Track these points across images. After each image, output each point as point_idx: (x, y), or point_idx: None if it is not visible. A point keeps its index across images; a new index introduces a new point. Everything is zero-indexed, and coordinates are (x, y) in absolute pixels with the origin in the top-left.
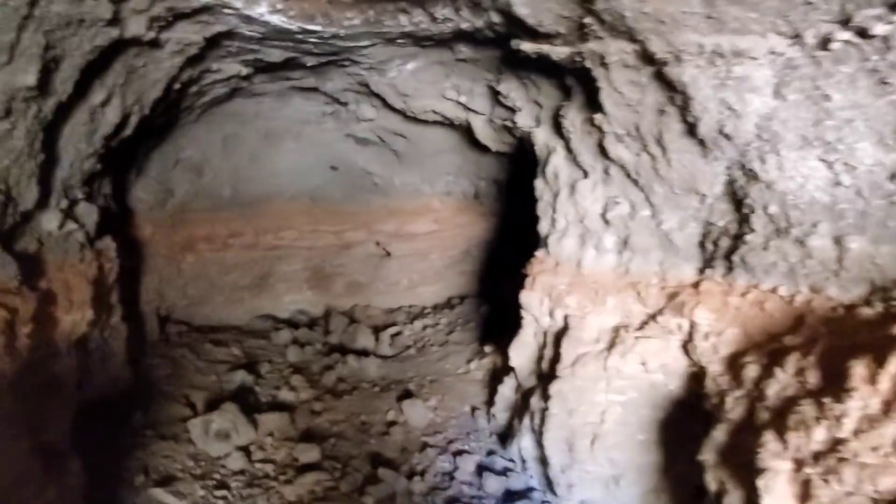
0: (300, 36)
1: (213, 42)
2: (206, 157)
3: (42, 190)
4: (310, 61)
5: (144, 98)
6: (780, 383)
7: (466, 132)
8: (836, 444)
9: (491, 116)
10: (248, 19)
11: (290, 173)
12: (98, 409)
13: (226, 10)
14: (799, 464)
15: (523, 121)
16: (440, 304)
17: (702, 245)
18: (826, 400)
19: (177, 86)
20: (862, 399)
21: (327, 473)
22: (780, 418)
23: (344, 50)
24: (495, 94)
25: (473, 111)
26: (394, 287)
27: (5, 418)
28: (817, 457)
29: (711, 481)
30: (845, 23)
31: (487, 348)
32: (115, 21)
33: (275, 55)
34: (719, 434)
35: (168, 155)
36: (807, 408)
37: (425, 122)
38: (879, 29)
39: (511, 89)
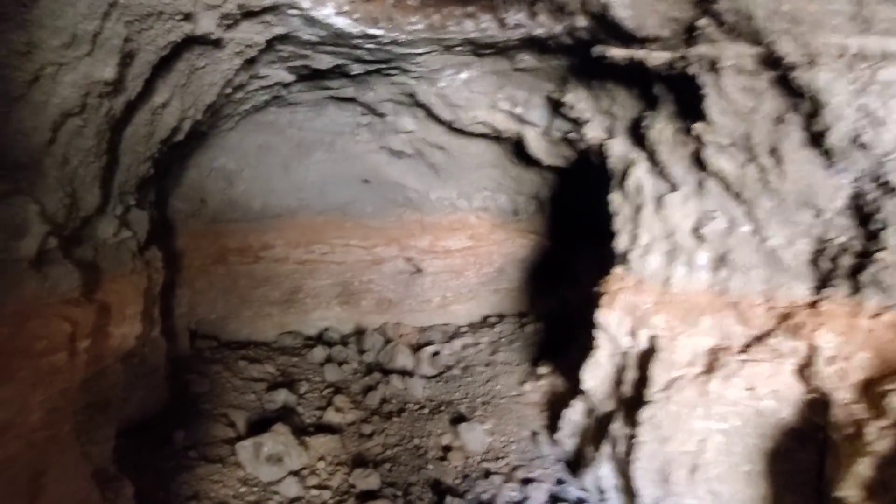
0: (358, 41)
1: (269, 45)
2: (238, 166)
3: (102, 194)
4: (356, 69)
5: (199, 102)
6: None
7: (514, 146)
8: None
9: (548, 129)
10: (311, 21)
11: (321, 185)
12: (139, 428)
13: (291, 11)
14: None
15: (593, 132)
16: (476, 323)
17: (814, 263)
18: None
19: (228, 90)
20: None
21: (389, 502)
22: None
23: (397, 57)
24: (556, 106)
25: (528, 123)
26: (426, 305)
27: (68, 441)
28: None
29: None
30: None
31: (542, 369)
32: (189, 16)
33: (324, 61)
34: (863, 468)
35: (203, 163)
36: None
37: (469, 134)
38: None
39: (579, 100)
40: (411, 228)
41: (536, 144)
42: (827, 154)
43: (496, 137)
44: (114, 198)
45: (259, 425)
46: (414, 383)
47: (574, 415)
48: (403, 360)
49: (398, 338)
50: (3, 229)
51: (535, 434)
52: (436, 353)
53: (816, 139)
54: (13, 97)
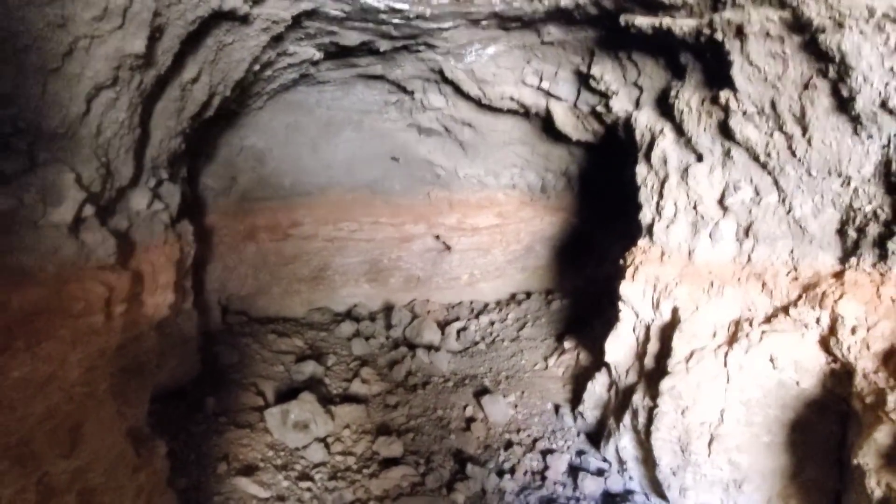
0: (384, 16)
1: (296, 21)
2: (268, 145)
3: (136, 166)
4: (383, 46)
5: (228, 78)
6: None
7: (542, 121)
8: None
9: (576, 102)
10: None
11: (349, 163)
12: (172, 394)
13: None
14: None
15: (620, 105)
16: (503, 300)
17: (841, 232)
18: None
19: (256, 67)
20: None
21: (412, 468)
22: None
23: (423, 33)
24: (583, 79)
25: (555, 97)
26: (454, 282)
27: (104, 399)
28: None
29: (875, 487)
30: None
31: (566, 344)
32: None
33: (351, 38)
34: (882, 436)
35: (233, 142)
36: None
37: (497, 110)
38: None
39: (605, 72)
40: (439, 206)
41: (564, 119)
42: (855, 120)
43: (524, 113)
44: (147, 170)
45: (287, 395)
46: (439, 357)
47: (597, 387)
48: (430, 335)
49: (426, 314)
50: (42, 196)
51: (557, 407)
52: (462, 329)
53: (844, 105)
54: (49, 69)
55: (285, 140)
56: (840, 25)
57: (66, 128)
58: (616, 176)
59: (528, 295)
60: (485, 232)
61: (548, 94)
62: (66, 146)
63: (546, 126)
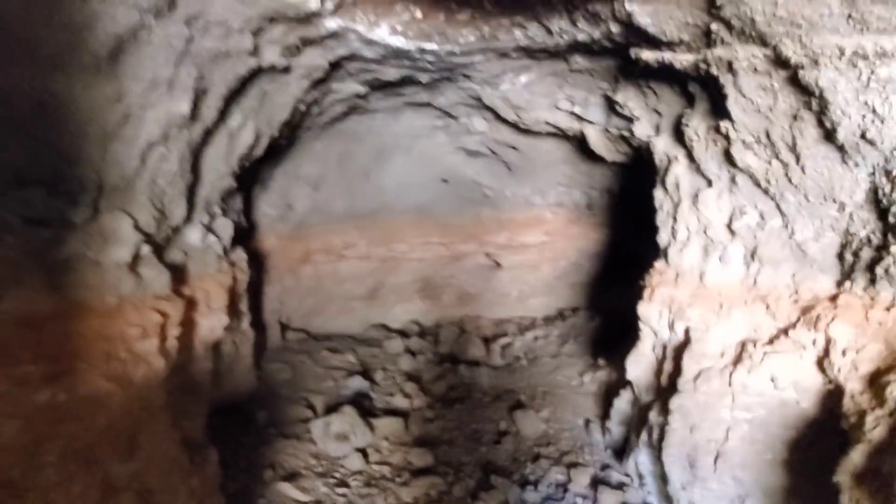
0: (417, 55)
1: (335, 65)
2: (322, 173)
3: (188, 207)
4: (423, 78)
5: (273, 120)
6: None
7: (579, 143)
8: None
9: (606, 126)
10: (370, 42)
11: (400, 187)
12: (228, 408)
13: (350, 35)
14: None
15: (641, 130)
16: (551, 316)
17: (840, 256)
18: None
19: (301, 107)
20: None
21: (440, 478)
22: None
23: (457, 66)
24: (611, 104)
25: (587, 121)
26: (504, 298)
27: (161, 411)
28: None
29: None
30: None
31: (601, 361)
32: (254, 51)
33: (391, 74)
34: (857, 455)
35: (289, 171)
36: None
37: (537, 133)
38: None
39: (628, 98)
40: (489, 225)
41: (597, 141)
42: (841, 149)
43: (563, 135)
44: (199, 209)
45: (334, 408)
46: (481, 372)
47: (622, 404)
48: (475, 350)
49: (474, 330)
50: (104, 239)
51: (588, 422)
52: (507, 345)
53: (829, 135)
54: (108, 135)
55: (338, 167)
56: (816, 63)
57: (124, 181)
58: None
59: (575, 311)
60: (533, 249)
61: (580, 118)
62: (124, 196)
63: (583, 147)
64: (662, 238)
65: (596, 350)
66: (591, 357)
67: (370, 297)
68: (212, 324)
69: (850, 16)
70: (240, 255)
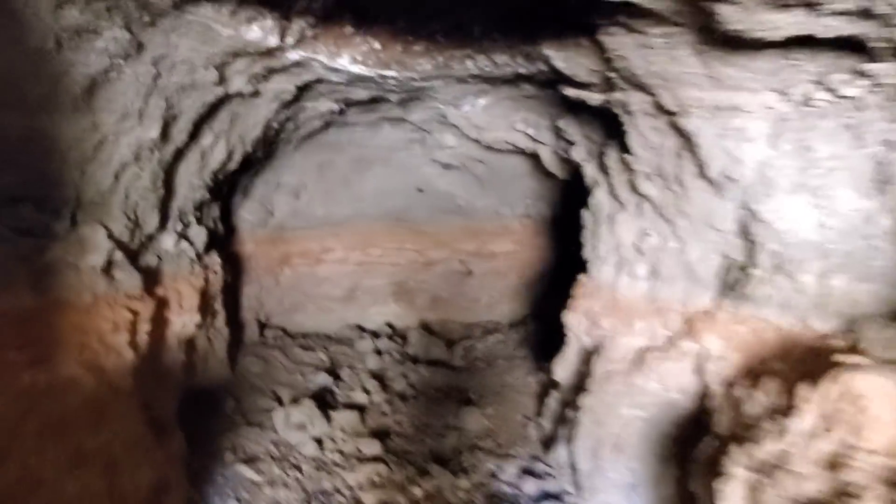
0: (380, 80)
1: (304, 88)
2: (302, 181)
3: (161, 217)
4: (393, 98)
5: (246, 138)
6: (757, 403)
7: (538, 160)
8: (782, 456)
9: (555, 148)
10: (333, 69)
11: (377, 195)
12: (199, 397)
13: (313, 64)
14: (752, 471)
15: (577, 154)
16: (516, 322)
17: (719, 276)
18: (779, 418)
19: (274, 124)
20: (802, 417)
21: (385, 465)
22: (747, 432)
23: (420, 89)
24: (557, 129)
25: (540, 142)
26: (474, 304)
27: (129, 394)
28: (765, 465)
29: (696, 488)
30: (820, 84)
31: (546, 364)
32: (221, 81)
33: (361, 94)
34: (705, 446)
35: (269, 180)
36: (765, 424)
37: (501, 150)
38: (849, 91)
39: (568, 125)
40: (460, 233)
41: (549, 160)
42: (713, 184)
43: (524, 153)
44: (173, 218)
45: (299, 400)
46: (440, 372)
47: (552, 402)
48: (438, 352)
49: (443, 332)
50: (81, 247)
51: (527, 419)
52: (469, 347)
53: (702, 172)
54: (86, 159)
55: (318, 176)
56: (685, 111)
57: (100, 197)
58: None
59: (537, 317)
60: (502, 257)
61: (534, 139)
62: (100, 210)
63: (542, 164)
64: (587, 253)
65: (545, 355)
66: (540, 361)
67: (346, 299)
68: (184, 321)
69: (708, 75)
70: (213, 259)
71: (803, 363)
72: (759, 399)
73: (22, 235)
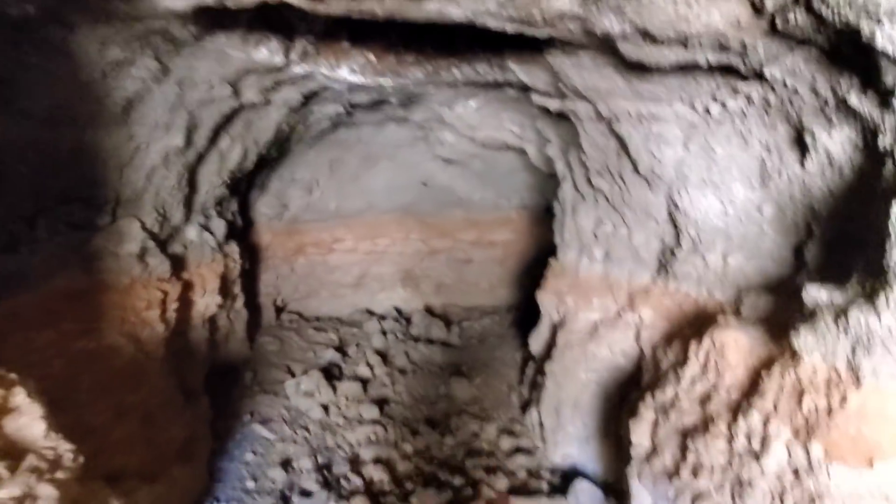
0: (377, 87)
1: (310, 95)
2: (315, 177)
3: (186, 211)
4: (393, 100)
5: (259, 140)
6: (667, 360)
7: (527, 156)
8: (675, 398)
9: (538, 145)
10: (334, 79)
11: (385, 189)
12: (223, 370)
13: (317, 75)
14: (655, 411)
15: (552, 151)
16: (514, 305)
17: (657, 257)
18: (678, 368)
19: (285, 127)
20: (689, 367)
21: (381, 427)
22: (657, 382)
23: (415, 93)
24: (537, 128)
25: (526, 140)
26: (474, 288)
27: (161, 361)
28: (664, 406)
29: (622, 430)
30: (714, 98)
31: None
32: (235, 95)
33: (363, 98)
34: (633, 397)
35: (284, 176)
36: (669, 374)
37: (494, 147)
38: (732, 104)
39: (545, 125)
40: (461, 224)
41: (535, 157)
42: (646, 180)
43: (514, 149)
44: (196, 212)
45: (309, 373)
46: (436, 349)
47: (529, 372)
48: (437, 332)
49: (445, 315)
50: (120, 237)
51: (510, 388)
52: (466, 328)
53: (636, 169)
54: (123, 164)
55: (330, 172)
56: (618, 119)
57: (135, 195)
58: None
59: (532, 300)
60: (500, 246)
61: (520, 137)
62: (135, 206)
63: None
64: (556, 239)
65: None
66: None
67: (356, 285)
68: (206, 302)
69: (630, 89)
70: (233, 248)
71: (703, 326)
72: (669, 356)
73: (73, 229)
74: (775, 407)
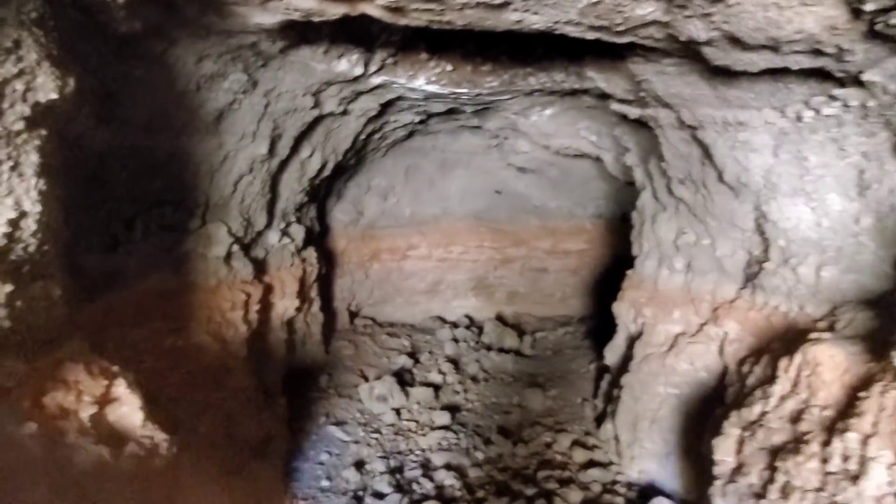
0: (453, 96)
1: (387, 104)
2: (391, 184)
3: (268, 217)
4: (468, 109)
5: (338, 149)
6: (754, 375)
7: (602, 164)
8: (762, 415)
9: (615, 153)
10: (412, 89)
11: (459, 196)
12: (300, 373)
13: (394, 85)
14: (741, 429)
15: (631, 159)
16: (587, 315)
17: (743, 269)
18: (765, 386)
19: (362, 136)
20: (778, 384)
21: (453, 434)
22: (744, 399)
23: (490, 102)
24: (615, 136)
25: (602, 148)
26: (548, 298)
27: (243, 361)
28: (751, 424)
29: (705, 448)
30: (806, 104)
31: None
32: (316, 105)
33: (438, 107)
34: (716, 413)
35: (361, 184)
36: (756, 392)
37: (569, 155)
38: (827, 111)
39: (623, 133)
40: (536, 232)
41: (611, 165)
42: (731, 188)
43: (590, 157)
44: (277, 218)
45: (383, 378)
46: (508, 359)
47: (604, 384)
48: (510, 341)
49: (519, 325)
50: (208, 241)
51: (584, 400)
52: (540, 338)
53: (721, 178)
54: (213, 171)
55: (405, 179)
56: (703, 126)
57: (223, 200)
58: None
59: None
60: (575, 255)
61: (596, 145)
62: (222, 210)
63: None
64: (634, 250)
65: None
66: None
67: (430, 292)
68: (285, 304)
69: (716, 96)
70: (310, 253)
71: (794, 342)
72: (756, 372)
73: (165, 231)
74: (875, 427)
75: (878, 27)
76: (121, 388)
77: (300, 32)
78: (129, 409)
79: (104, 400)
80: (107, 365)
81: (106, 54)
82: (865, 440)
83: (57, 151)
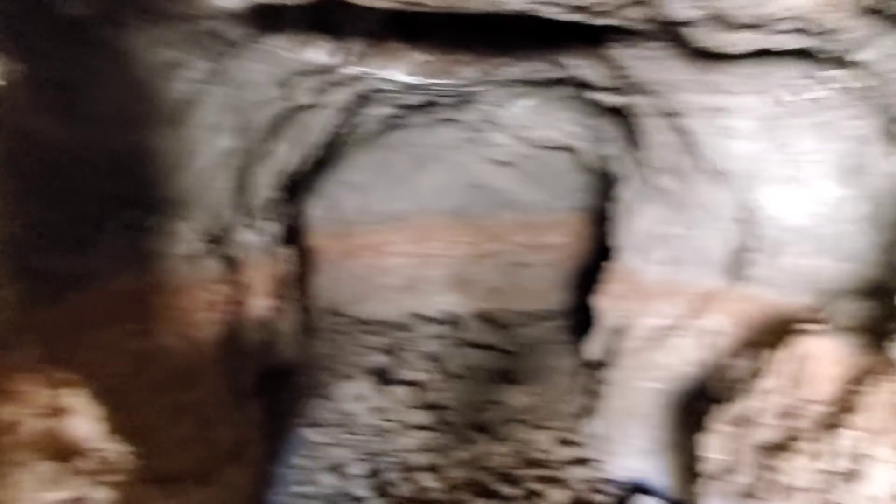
0: (429, 87)
1: (362, 97)
2: (365, 179)
3: (238, 214)
4: (444, 101)
5: (312, 143)
6: (738, 369)
7: (580, 156)
8: (752, 411)
9: (593, 145)
10: (387, 80)
11: (435, 192)
12: (274, 372)
13: (369, 76)
14: (727, 424)
15: (609, 150)
16: (566, 309)
17: (724, 259)
18: (750, 379)
19: (337, 130)
20: (765, 378)
21: (431, 433)
22: (729, 393)
23: (468, 93)
24: (592, 127)
25: (581, 140)
26: (527, 293)
27: (214, 362)
28: (737, 419)
29: (692, 447)
30: (787, 87)
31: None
32: (287, 96)
33: (414, 100)
34: (703, 409)
35: (336, 179)
36: (741, 385)
37: (547, 147)
38: (813, 94)
39: (601, 124)
40: (513, 226)
41: (590, 156)
42: (711, 176)
43: (568, 149)
44: (248, 215)
45: (360, 377)
46: (489, 355)
47: (586, 379)
48: (489, 337)
49: (497, 320)
50: (172, 240)
51: (566, 395)
52: (519, 333)
53: (699, 165)
54: (176, 165)
55: (379, 174)
56: (685, 113)
57: (188, 197)
58: None
59: (587, 304)
60: (554, 249)
61: (574, 136)
62: (189, 207)
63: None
64: (613, 242)
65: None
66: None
67: (407, 289)
68: (259, 304)
69: (697, 81)
70: (283, 251)
71: (785, 334)
72: (740, 365)
73: (131, 230)
74: (871, 424)
75: (872, 3)
76: (75, 397)
77: (268, 19)
78: (83, 421)
79: (55, 412)
80: (61, 373)
81: (57, 41)
82: (861, 437)
83: (2, 143)
